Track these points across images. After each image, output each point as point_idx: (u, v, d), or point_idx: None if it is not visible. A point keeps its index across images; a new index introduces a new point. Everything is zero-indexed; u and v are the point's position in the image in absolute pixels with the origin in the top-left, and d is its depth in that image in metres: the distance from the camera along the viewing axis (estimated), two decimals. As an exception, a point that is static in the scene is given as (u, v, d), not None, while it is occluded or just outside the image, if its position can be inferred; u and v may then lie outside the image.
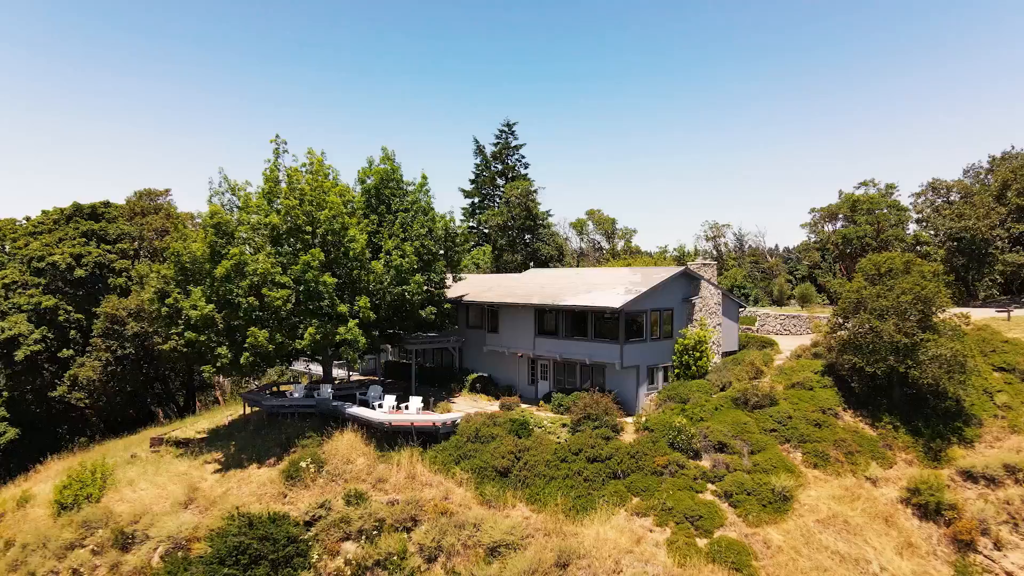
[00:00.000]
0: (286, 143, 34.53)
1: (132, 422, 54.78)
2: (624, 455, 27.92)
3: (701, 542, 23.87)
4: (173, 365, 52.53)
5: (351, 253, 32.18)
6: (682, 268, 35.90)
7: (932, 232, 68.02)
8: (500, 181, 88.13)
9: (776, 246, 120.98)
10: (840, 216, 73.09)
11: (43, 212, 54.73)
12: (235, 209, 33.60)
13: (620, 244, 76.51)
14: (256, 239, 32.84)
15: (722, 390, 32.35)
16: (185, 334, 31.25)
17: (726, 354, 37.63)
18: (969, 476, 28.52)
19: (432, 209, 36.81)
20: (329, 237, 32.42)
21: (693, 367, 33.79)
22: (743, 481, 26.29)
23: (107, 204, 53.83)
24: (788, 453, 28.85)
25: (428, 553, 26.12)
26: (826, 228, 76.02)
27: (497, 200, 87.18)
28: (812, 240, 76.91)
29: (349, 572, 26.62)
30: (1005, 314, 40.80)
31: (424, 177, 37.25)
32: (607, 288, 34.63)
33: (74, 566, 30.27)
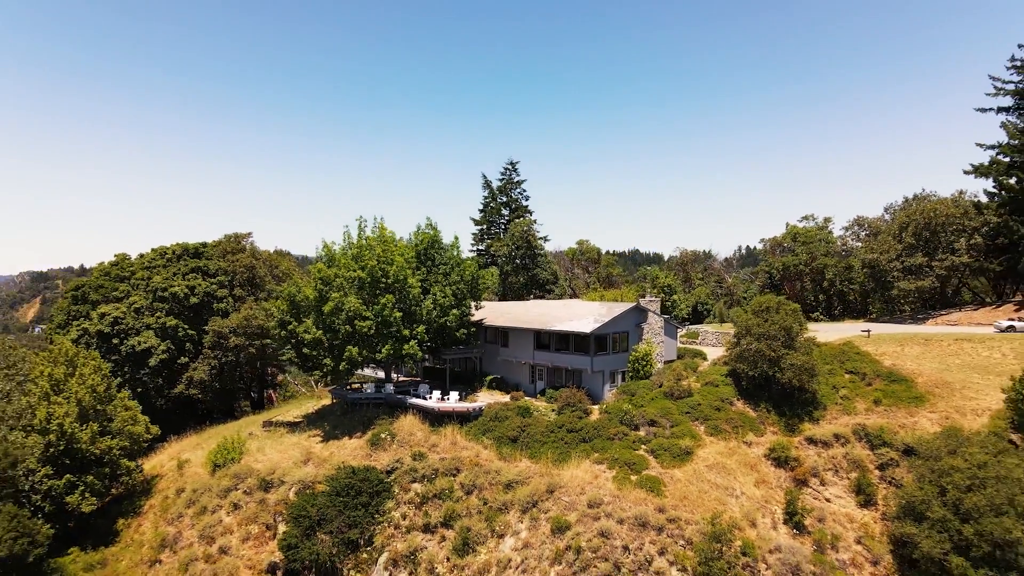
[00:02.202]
0: (367, 220, 50.26)
1: (223, 412, 70.56)
2: (590, 427, 43.62)
3: (633, 477, 39.47)
4: (252, 369, 68.35)
5: (410, 295, 47.82)
6: (635, 304, 51.58)
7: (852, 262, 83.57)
8: (505, 211, 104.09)
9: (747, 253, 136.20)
10: (785, 245, 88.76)
11: (153, 250, 70.43)
12: (332, 264, 49.27)
13: (604, 271, 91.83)
14: (347, 286, 48.44)
15: (659, 387, 47.92)
16: (303, 350, 46.93)
17: (667, 362, 53.21)
18: (811, 441, 44.13)
19: (463, 260, 52.50)
20: (395, 284, 48.04)
21: (641, 372, 49.42)
22: (663, 443, 41.93)
23: (204, 245, 69.42)
24: (696, 426, 44.45)
25: (467, 489, 41.83)
26: (776, 253, 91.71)
27: (503, 226, 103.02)
28: (762, 264, 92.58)
29: (417, 500, 42.40)
30: (866, 333, 56.31)
31: (456, 238, 53.08)
32: (583, 317, 50.27)
33: (233, 501, 46.02)
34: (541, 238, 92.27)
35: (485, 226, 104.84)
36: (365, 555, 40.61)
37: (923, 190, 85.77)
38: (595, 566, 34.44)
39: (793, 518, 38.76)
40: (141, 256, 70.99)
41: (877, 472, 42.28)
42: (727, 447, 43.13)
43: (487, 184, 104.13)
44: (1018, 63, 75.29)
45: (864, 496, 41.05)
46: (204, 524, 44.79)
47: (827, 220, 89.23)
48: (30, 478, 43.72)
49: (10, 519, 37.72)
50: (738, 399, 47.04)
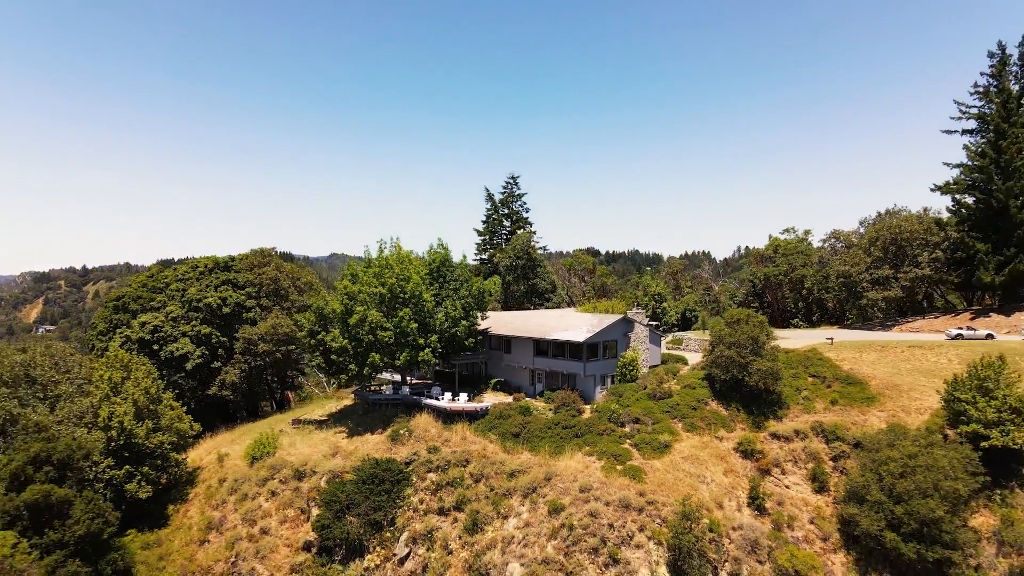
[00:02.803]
0: (387, 241, 56.71)
1: (248, 411, 76.99)
2: (582, 425, 50.03)
3: (619, 467, 45.84)
4: (276, 372, 74.75)
5: (425, 308, 54.23)
6: (623, 316, 57.99)
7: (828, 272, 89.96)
8: (507, 223, 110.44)
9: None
10: (767, 256, 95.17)
11: (185, 263, 76.86)
12: (356, 281, 55.71)
13: (598, 280, 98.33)
14: (369, 300, 54.85)
15: (644, 389, 54.31)
16: (330, 356, 53.35)
17: (652, 367, 59.61)
18: (775, 436, 50.52)
19: (471, 276, 58.90)
20: (412, 299, 54.46)
21: (628, 375, 55.80)
22: (645, 438, 48.34)
23: (232, 259, 75.86)
24: (674, 424, 50.85)
25: (475, 477, 48.21)
26: (759, 263, 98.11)
27: (505, 237, 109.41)
28: (745, 272, 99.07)
29: (433, 487, 48.80)
30: (830, 340, 62.70)
31: (464, 257, 59.46)
32: (577, 327, 56.68)
33: (271, 489, 52.44)
34: (540, 248, 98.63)
35: (488, 236, 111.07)
36: (388, 534, 47.04)
37: (895, 205, 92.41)
38: (585, 540, 40.88)
39: (755, 501, 45.17)
40: (174, 269, 77.39)
41: (831, 463, 48.69)
42: (701, 441, 49.55)
43: (490, 196, 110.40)
44: (980, 89, 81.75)
45: (818, 483, 47.43)
46: (246, 509, 51.24)
47: (807, 232, 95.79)
48: (94, 469, 50.09)
49: (87, 503, 44.15)
50: (712, 400, 53.42)
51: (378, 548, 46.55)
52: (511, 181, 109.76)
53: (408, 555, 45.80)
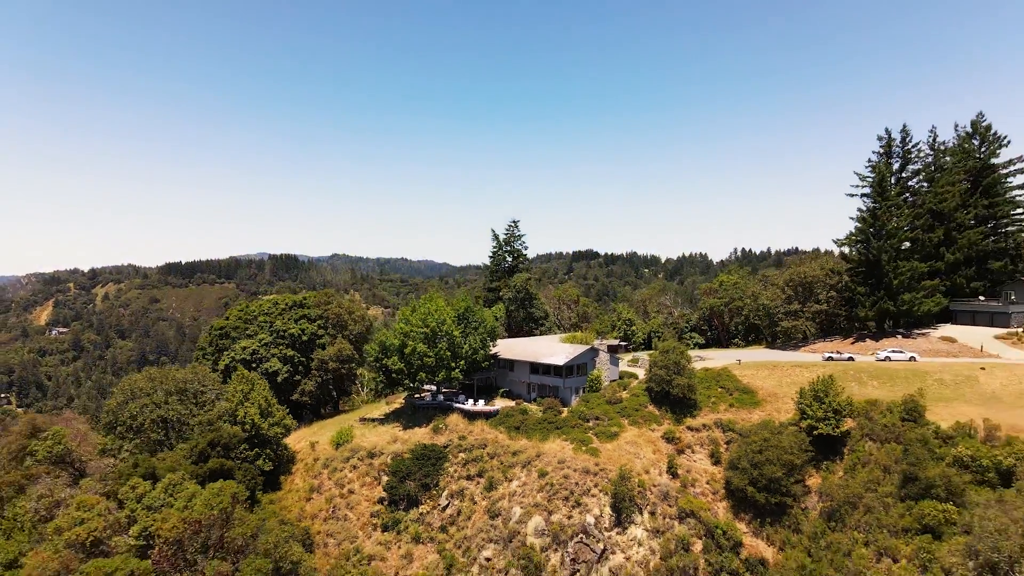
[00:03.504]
0: (421, 292, 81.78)
1: (314, 413, 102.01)
2: (561, 420, 75.22)
3: (583, 448, 70.95)
4: (339, 384, 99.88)
5: (455, 341, 79.37)
6: (591, 346, 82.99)
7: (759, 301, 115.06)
8: (509, 258, 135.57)
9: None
10: (714, 290, 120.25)
11: (267, 300, 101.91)
12: (408, 323, 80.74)
13: (581, 309, 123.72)
14: (417, 336, 79.89)
15: (604, 397, 79.29)
16: (391, 375, 78.52)
17: (612, 381, 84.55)
18: (690, 428, 75.52)
19: (489, 317, 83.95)
20: (445, 335, 79.58)
21: (594, 388, 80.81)
22: (602, 429, 73.46)
23: (305, 298, 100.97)
24: (622, 420, 75.89)
25: (490, 455, 73.26)
26: (709, 295, 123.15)
27: (507, 269, 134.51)
28: (700, 303, 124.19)
29: (462, 462, 73.98)
30: (738, 361, 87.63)
31: (481, 303, 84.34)
32: (560, 354, 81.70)
33: (352, 464, 77.53)
34: (537, 293, 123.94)
35: (494, 269, 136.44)
36: (434, 491, 72.09)
37: (817, 248, 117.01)
38: (560, 492, 66.00)
39: (671, 469, 70.23)
40: (259, 305, 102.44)
41: (724, 445, 73.68)
42: (639, 432, 74.66)
43: (495, 237, 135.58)
44: (871, 164, 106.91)
45: (715, 459, 72.41)
46: (336, 478, 76.35)
47: (747, 271, 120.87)
48: (235, 450, 75.11)
49: (246, 471, 69.33)
50: (649, 404, 78.48)
51: (428, 500, 71.66)
52: (512, 224, 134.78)
53: (447, 505, 70.89)
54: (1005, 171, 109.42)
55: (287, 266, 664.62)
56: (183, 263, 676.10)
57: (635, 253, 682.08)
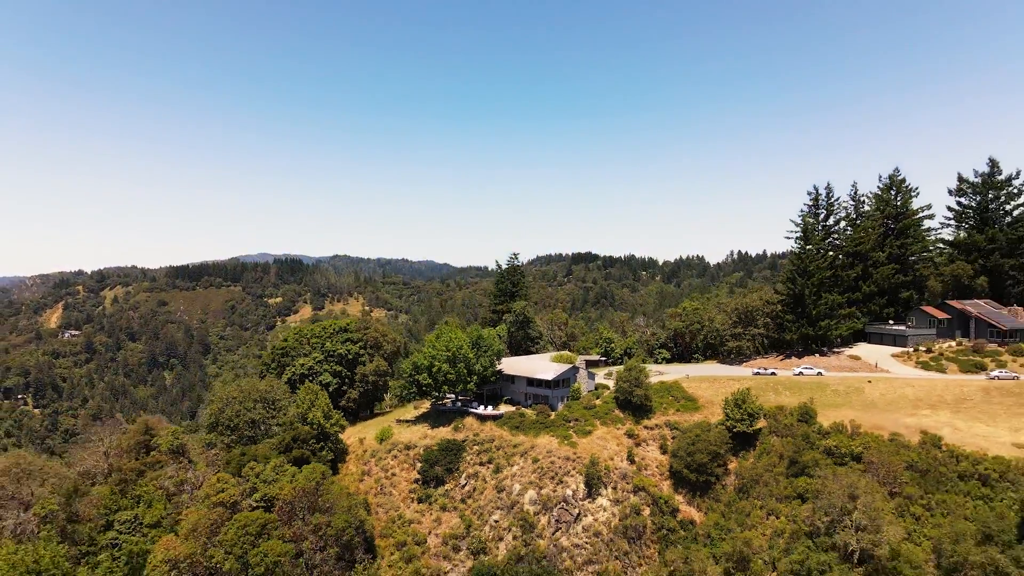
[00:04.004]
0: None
1: (352, 416, 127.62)
2: (550, 421, 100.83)
3: (566, 442, 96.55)
4: (376, 393, 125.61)
5: (470, 361, 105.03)
6: (573, 364, 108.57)
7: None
8: (511, 287, 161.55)
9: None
10: (679, 314, 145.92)
11: (318, 324, 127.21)
12: (434, 348, 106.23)
13: (569, 329, 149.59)
14: (441, 358, 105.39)
15: (582, 404, 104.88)
16: (422, 388, 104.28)
17: (590, 391, 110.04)
18: (646, 427, 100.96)
19: (495, 341, 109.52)
20: (462, 357, 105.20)
21: (575, 397, 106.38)
22: (580, 428, 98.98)
23: (349, 324, 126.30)
24: (595, 421, 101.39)
25: (497, 447, 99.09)
26: (675, 319, 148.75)
27: (509, 294, 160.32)
28: (668, 323, 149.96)
29: (476, 452, 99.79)
30: (687, 375, 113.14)
31: (491, 331, 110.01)
32: (550, 371, 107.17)
33: (392, 455, 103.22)
34: (534, 317, 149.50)
35: (498, 293, 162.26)
36: (456, 474, 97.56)
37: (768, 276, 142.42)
38: (548, 474, 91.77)
39: (630, 457, 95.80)
40: (311, 329, 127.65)
41: (671, 440, 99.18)
42: (608, 430, 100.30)
43: (499, 267, 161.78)
44: (799, 219, 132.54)
45: (663, 450, 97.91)
46: (381, 464, 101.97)
47: (708, 298, 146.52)
48: (308, 444, 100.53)
49: (319, 458, 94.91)
50: (616, 409, 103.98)
51: (451, 480, 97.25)
52: (512, 258, 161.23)
53: (466, 484, 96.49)
54: (916, 217, 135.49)
55: (291, 269, 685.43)
56: (189, 266, 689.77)
57: (633, 256, 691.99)
